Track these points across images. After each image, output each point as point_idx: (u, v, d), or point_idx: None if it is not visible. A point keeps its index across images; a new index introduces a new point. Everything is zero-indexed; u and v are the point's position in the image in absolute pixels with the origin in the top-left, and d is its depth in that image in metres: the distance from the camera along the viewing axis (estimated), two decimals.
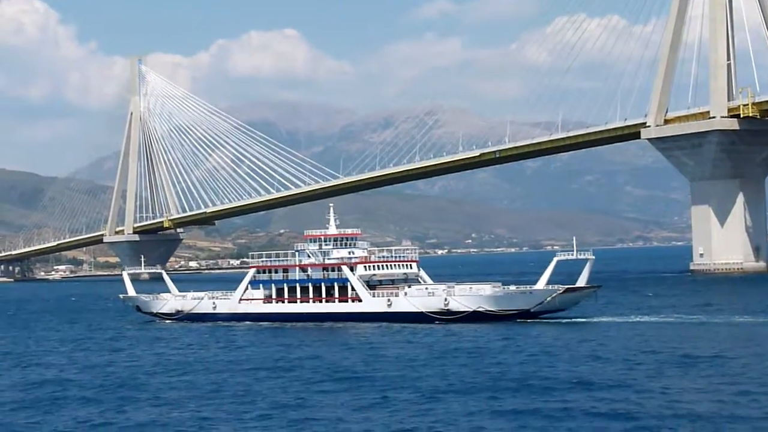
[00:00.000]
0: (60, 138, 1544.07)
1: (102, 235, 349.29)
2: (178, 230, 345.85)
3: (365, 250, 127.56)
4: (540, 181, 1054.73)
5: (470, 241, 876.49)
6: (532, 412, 57.83)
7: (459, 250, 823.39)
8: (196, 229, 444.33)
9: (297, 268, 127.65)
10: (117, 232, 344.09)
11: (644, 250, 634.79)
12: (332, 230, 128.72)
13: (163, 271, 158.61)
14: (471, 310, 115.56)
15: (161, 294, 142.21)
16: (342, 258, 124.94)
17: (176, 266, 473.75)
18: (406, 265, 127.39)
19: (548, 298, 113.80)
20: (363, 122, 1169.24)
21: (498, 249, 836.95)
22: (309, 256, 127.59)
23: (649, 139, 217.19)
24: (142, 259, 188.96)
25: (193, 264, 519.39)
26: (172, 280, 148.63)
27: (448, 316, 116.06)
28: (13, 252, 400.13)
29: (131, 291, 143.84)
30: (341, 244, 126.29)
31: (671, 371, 71.18)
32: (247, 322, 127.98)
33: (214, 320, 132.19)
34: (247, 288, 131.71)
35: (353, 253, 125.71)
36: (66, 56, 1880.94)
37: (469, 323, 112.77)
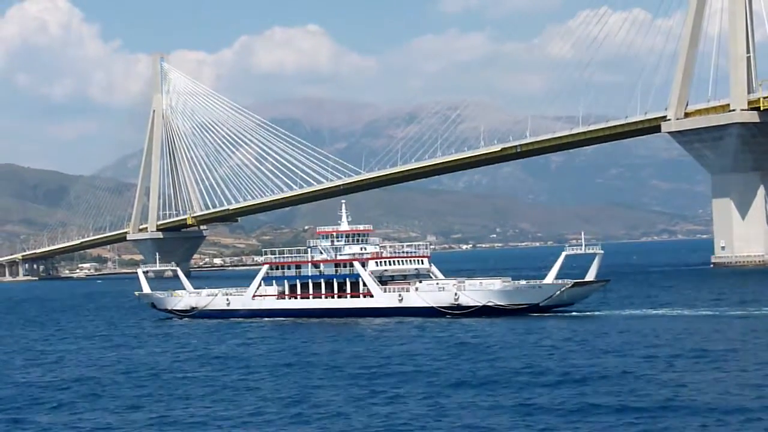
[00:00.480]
0: (85, 136, 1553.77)
1: (126, 232, 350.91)
2: (202, 227, 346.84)
3: (377, 246, 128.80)
4: (565, 176, 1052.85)
5: (495, 235, 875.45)
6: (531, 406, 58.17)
7: (484, 245, 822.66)
8: (220, 226, 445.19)
9: (309, 264, 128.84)
10: (140, 230, 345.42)
11: (668, 244, 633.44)
12: (344, 226, 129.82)
13: (178, 269, 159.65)
14: (481, 304, 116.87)
15: (176, 291, 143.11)
16: (354, 254, 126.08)
17: (200, 263, 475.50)
18: (418, 260, 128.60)
19: (557, 293, 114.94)
20: (387, 117, 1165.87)
21: (522, 243, 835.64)
22: (321, 253, 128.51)
23: (669, 133, 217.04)
24: (157, 257, 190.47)
25: (217, 261, 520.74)
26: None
27: (458, 311, 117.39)
28: (38, 250, 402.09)
29: (146, 288, 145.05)
30: (353, 240, 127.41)
31: (680, 364, 71.42)
32: (264, 319, 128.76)
33: (227, 317, 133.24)
34: (260, 284, 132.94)
35: (365, 249, 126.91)
36: (90, 54, 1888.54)
37: (480, 318, 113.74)
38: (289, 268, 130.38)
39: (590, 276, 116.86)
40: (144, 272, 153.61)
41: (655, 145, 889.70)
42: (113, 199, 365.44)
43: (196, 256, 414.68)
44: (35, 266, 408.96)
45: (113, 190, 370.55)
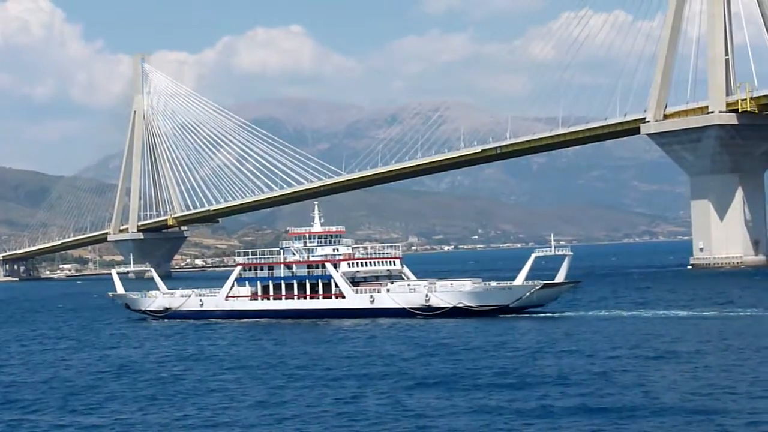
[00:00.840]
0: (66, 137, 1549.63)
1: (106, 233, 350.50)
2: (183, 228, 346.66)
3: (349, 247, 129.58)
4: (546, 177, 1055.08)
5: (477, 237, 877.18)
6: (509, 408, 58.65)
7: (465, 246, 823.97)
8: (202, 226, 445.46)
9: (282, 265, 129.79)
10: (121, 231, 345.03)
11: (648, 245, 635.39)
12: (317, 228, 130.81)
13: (152, 269, 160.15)
14: (451, 305, 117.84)
15: (150, 291, 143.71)
16: (326, 255, 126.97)
17: (182, 264, 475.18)
18: (390, 261, 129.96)
19: (526, 294, 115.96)
20: (369, 119, 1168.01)
21: (504, 245, 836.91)
22: (294, 254, 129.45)
23: (648, 135, 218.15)
24: (131, 258, 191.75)
25: (198, 262, 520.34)
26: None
27: (429, 312, 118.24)
28: (18, 251, 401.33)
29: (120, 289, 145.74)
30: (325, 242, 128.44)
31: (648, 365, 72.02)
32: (237, 320, 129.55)
33: (201, 317, 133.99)
34: (233, 285, 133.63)
35: (337, 250, 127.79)
36: (72, 55, 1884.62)
37: (450, 318, 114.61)
38: (262, 269, 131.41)
39: (560, 277, 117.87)
40: (124, 273, 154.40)
41: (637, 146, 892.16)
42: (95, 200, 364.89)
43: (177, 256, 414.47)
44: (16, 267, 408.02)
45: (95, 191, 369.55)
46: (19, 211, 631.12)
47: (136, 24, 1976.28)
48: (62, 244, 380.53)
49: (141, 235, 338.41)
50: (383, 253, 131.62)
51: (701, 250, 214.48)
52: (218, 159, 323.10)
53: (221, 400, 65.24)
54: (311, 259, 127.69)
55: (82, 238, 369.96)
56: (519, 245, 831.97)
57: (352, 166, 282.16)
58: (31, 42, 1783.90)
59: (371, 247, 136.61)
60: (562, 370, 70.78)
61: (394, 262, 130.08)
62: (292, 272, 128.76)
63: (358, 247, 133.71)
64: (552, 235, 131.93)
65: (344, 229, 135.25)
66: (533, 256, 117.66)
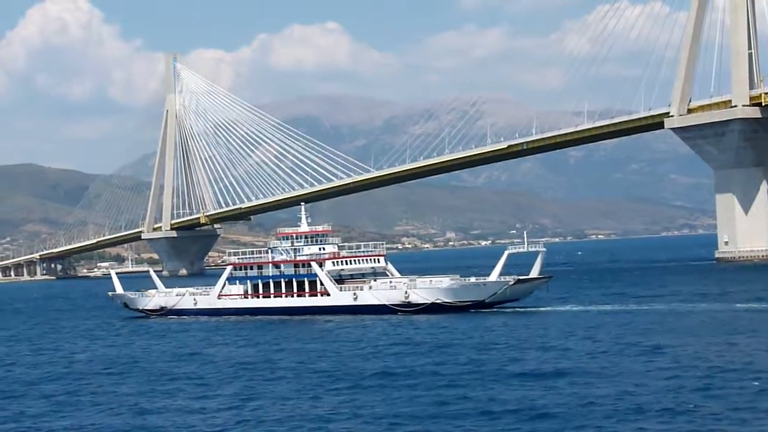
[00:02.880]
0: (104, 136, 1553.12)
1: (140, 232, 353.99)
2: (216, 226, 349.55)
3: (335, 246, 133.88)
4: (584, 171, 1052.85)
5: (514, 231, 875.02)
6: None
7: (503, 241, 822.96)
8: (239, 224, 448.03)
9: (270, 264, 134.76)
10: (155, 229, 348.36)
11: (685, 239, 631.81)
12: (304, 228, 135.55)
13: (150, 269, 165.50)
14: (430, 302, 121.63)
15: (148, 291, 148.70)
16: (312, 254, 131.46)
17: (219, 261, 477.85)
18: (374, 259, 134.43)
19: (501, 290, 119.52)
20: (406, 114, 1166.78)
21: (542, 239, 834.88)
22: (282, 253, 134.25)
23: (672, 129, 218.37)
24: (130, 257, 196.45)
25: (233, 259, 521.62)
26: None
27: (409, 308, 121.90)
28: (55, 250, 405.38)
29: (119, 288, 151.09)
30: (312, 241, 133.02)
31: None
32: (227, 317, 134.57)
33: (194, 315, 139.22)
34: (224, 284, 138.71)
35: (324, 249, 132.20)
36: (110, 54, 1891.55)
37: (428, 314, 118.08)
38: (251, 269, 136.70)
39: (534, 273, 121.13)
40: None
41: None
42: (132, 198, 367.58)
43: (214, 254, 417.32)
44: (53, 265, 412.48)
45: (132, 189, 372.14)
46: (57, 209, 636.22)
47: (173, 23, 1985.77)
48: (98, 242, 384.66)
49: (174, 234, 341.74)
50: (367, 252, 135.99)
51: (726, 243, 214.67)
52: (252, 157, 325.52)
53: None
54: (298, 258, 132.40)
55: (116, 237, 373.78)
56: (557, 239, 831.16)
57: (382, 163, 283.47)
58: (69, 42, 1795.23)
59: (356, 246, 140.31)
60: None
61: (378, 259, 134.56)
62: (280, 271, 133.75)
63: (345, 246, 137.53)
64: (525, 233, 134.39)
65: (331, 228, 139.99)
66: (506, 252, 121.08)
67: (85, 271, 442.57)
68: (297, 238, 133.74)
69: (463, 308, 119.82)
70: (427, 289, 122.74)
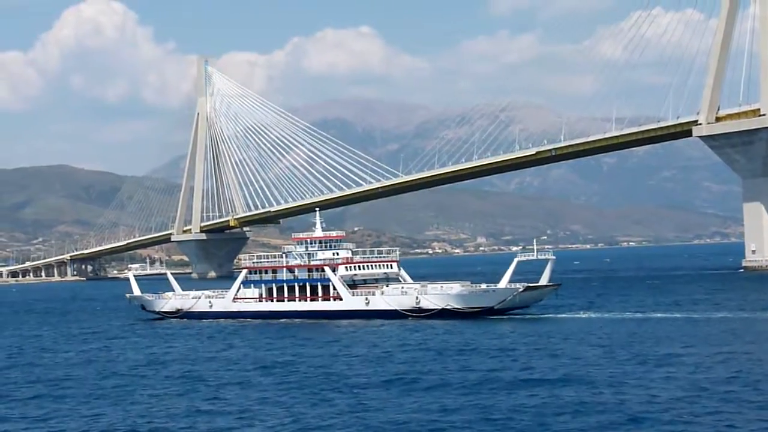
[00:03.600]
0: (137, 138, 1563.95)
1: (170, 234, 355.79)
2: (245, 229, 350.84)
3: (349, 252, 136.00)
4: (617, 178, 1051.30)
5: (545, 237, 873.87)
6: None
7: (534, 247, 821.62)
8: (271, 227, 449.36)
9: (284, 269, 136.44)
10: (185, 231, 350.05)
11: (711, 247, 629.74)
12: (318, 233, 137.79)
13: (168, 272, 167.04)
14: (440, 307, 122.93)
15: (165, 293, 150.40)
16: (325, 259, 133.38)
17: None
18: (387, 265, 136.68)
19: (510, 296, 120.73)
20: (438, 119, 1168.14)
21: (573, 246, 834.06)
22: (296, 258, 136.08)
23: (700, 137, 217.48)
24: (148, 261, 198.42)
25: None
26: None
27: (419, 314, 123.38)
28: (85, 251, 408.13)
29: (137, 290, 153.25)
30: (326, 246, 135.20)
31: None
32: (241, 320, 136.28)
33: (210, 318, 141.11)
34: (240, 288, 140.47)
35: (337, 254, 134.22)
36: (144, 56, 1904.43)
37: (439, 320, 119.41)
38: (266, 273, 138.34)
39: (543, 280, 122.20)
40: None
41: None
42: (164, 200, 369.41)
43: (242, 256, 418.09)
44: (83, 266, 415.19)
45: (164, 191, 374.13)
46: (90, 211, 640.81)
47: (207, 25, 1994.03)
48: (127, 244, 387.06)
49: (204, 236, 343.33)
50: (380, 258, 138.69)
51: (753, 252, 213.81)
52: (282, 161, 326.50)
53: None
54: (311, 263, 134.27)
55: (146, 239, 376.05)
56: (588, 246, 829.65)
57: (409, 168, 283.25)
58: (103, 44, 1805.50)
59: (369, 252, 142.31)
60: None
61: (390, 265, 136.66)
62: (294, 275, 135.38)
63: (358, 252, 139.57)
64: (534, 240, 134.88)
65: (344, 234, 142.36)
66: (516, 260, 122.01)
67: (115, 272, 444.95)
68: (311, 243, 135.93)
69: (472, 314, 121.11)
70: (437, 295, 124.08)
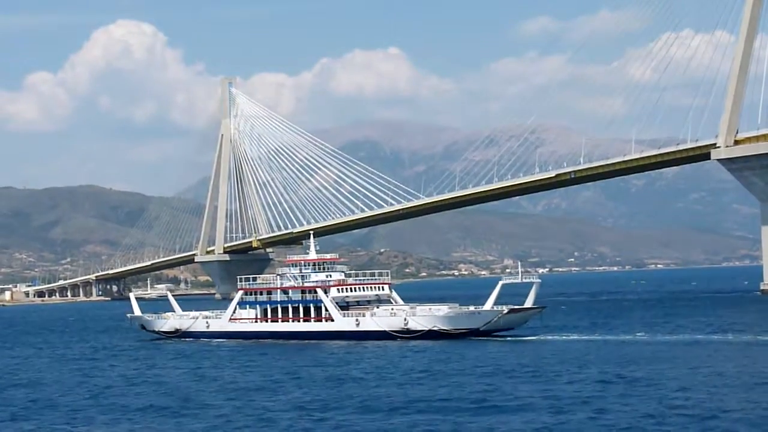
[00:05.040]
0: (166, 158, 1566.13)
1: (194, 254, 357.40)
2: (268, 250, 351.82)
3: (342, 274, 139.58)
4: (645, 200, 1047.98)
5: (572, 259, 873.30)
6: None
7: (560, 269, 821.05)
8: (297, 248, 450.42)
9: (279, 290, 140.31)
10: (208, 252, 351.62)
11: (735, 270, 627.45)
12: (312, 255, 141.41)
13: (168, 293, 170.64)
14: (427, 328, 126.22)
15: (164, 313, 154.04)
16: (318, 281, 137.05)
17: None
18: (378, 287, 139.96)
19: (494, 318, 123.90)
20: (466, 140, 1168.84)
21: (600, 268, 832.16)
22: (290, 280, 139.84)
23: (719, 160, 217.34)
24: (148, 282, 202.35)
25: None
26: None
27: (407, 335, 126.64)
28: (110, 271, 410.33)
29: (137, 311, 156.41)
30: (319, 269, 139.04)
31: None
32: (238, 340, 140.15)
33: (207, 338, 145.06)
34: (236, 309, 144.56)
35: (330, 276, 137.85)
36: (172, 78, 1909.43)
37: (426, 341, 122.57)
38: (261, 294, 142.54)
39: (528, 303, 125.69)
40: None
41: None
42: (191, 220, 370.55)
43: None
44: (108, 286, 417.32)
45: (192, 211, 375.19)
46: (118, 231, 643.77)
47: (236, 47, 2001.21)
48: (152, 264, 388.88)
49: (227, 257, 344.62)
50: (373, 280, 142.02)
51: None
52: (305, 183, 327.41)
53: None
54: (305, 284, 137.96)
55: (170, 259, 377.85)
56: (615, 268, 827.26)
57: (440, 188, 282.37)
58: (132, 65, 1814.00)
59: (362, 274, 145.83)
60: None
61: (382, 287, 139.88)
62: (288, 297, 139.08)
63: (351, 274, 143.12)
64: (519, 263, 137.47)
65: (338, 257, 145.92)
66: (500, 283, 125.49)
67: (139, 292, 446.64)
68: (305, 266, 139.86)
69: (458, 336, 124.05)
70: (425, 317, 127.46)
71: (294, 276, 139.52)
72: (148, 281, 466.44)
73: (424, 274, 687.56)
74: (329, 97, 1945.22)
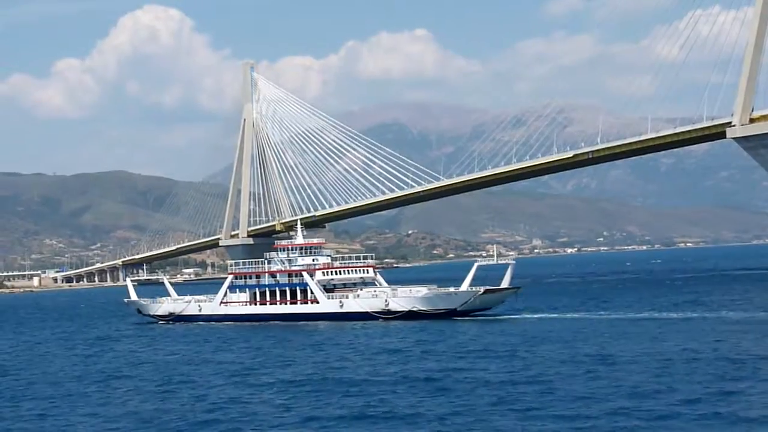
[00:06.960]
0: (194, 143, 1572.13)
1: (218, 239, 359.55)
2: (291, 233, 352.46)
3: (328, 258, 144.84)
4: (674, 178, 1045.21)
5: (601, 239, 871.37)
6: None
7: (589, 249, 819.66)
8: (325, 230, 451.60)
9: (267, 274, 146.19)
10: (233, 236, 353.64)
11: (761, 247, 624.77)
12: (299, 240, 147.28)
13: (165, 278, 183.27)
14: (407, 309, 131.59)
15: (159, 298, 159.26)
16: (304, 265, 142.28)
17: None
18: (363, 270, 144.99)
19: (470, 299, 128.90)
20: (494, 121, 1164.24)
21: (629, 247, 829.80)
22: (278, 264, 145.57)
23: (734, 138, 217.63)
24: (145, 268, 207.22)
25: None
26: None
27: (388, 315, 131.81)
28: (137, 256, 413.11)
29: (134, 295, 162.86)
30: (306, 253, 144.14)
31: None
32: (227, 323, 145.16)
33: (199, 321, 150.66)
34: (226, 292, 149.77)
35: (316, 260, 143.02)
36: (199, 62, 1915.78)
37: (406, 321, 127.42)
38: (250, 278, 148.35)
39: (504, 283, 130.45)
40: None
41: None
42: (219, 205, 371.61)
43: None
44: (135, 271, 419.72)
45: (219, 196, 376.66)
46: (147, 216, 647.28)
47: (262, 31, 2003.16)
48: (177, 249, 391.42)
49: (251, 241, 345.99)
50: (357, 263, 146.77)
51: None
52: (328, 166, 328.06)
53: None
54: (291, 268, 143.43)
55: (195, 243, 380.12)
56: (645, 247, 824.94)
57: (467, 169, 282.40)
58: (160, 50, 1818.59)
59: (347, 258, 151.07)
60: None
61: (366, 270, 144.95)
62: (276, 280, 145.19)
63: (338, 258, 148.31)
64: (495, 246, 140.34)
65: (324, 241, 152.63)
66: (475, 265, 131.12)
67: (167, 277, 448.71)
68: (292, 250, 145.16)
69: (436, 316, 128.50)
70: (404, 298, 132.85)
71: (281, 260, 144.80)
72: (178, 266, 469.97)
73: (451, 255, 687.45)
74: (356, 79, 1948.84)
